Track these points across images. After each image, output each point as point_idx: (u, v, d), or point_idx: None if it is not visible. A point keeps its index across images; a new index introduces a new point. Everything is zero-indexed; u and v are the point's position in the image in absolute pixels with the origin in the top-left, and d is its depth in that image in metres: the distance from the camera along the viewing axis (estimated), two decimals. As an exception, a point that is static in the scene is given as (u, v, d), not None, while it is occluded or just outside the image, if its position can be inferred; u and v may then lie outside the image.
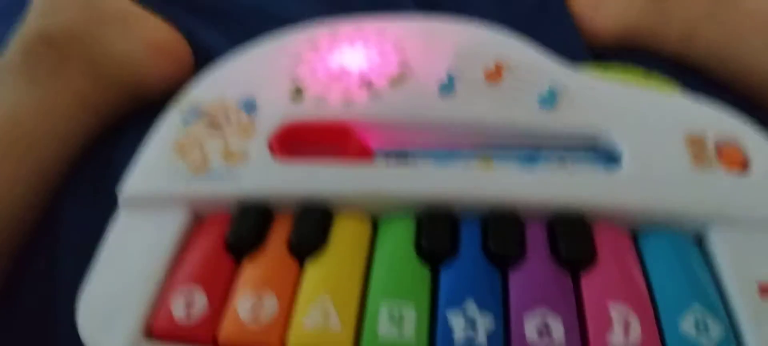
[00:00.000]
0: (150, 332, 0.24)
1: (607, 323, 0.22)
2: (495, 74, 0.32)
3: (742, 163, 0.27)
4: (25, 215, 0.32)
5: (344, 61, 0.33)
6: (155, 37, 0.39)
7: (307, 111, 0.31)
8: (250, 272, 0.25)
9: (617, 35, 0.40)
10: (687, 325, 0.22)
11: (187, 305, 0.24)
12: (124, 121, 0.38)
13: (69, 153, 0.35)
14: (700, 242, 0.26)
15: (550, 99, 0.30)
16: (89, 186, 0.34)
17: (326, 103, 0.31)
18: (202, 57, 0.41)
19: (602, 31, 0.41)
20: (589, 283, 0.24)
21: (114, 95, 0.38)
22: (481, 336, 0.22)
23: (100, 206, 0.32)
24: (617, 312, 0.22)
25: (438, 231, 0.26)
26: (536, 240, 0.25)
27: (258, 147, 0.29)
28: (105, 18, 0.38)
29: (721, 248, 0.25)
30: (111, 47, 0.38)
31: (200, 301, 0.24)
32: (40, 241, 0.33)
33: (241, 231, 0.26)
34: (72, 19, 0.37)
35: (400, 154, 0.30)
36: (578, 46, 0.40)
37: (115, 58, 0.38)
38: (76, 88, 0.36)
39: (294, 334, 0.23)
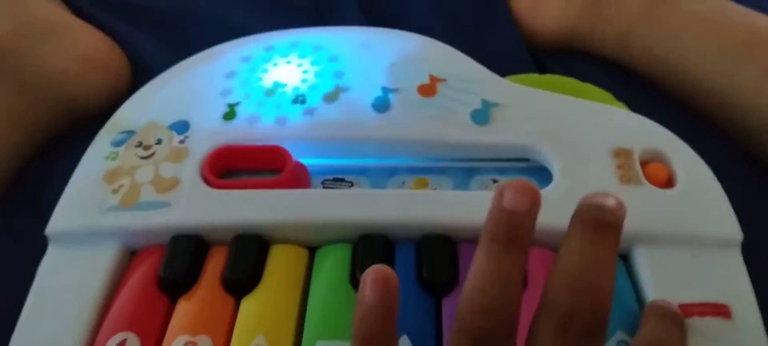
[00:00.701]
0: (79, 381, 0.23)
1: None
2: (429, 88, 0.32)
3: (667, 179, 0.28)
4: None
5: (278, 77, 0.33)
6: (89, 50, 0.38)
7: (240, 131, 0.30)
8: (184, 312, 0.25)
9: (556, 35, 0.41)
10: (613, 349, 0.23)
11: (120, 351, 0.24)
12: (58, 140, 0.37)
13: (0, 178, 0.34)
14: (625, 258, 0.27)
15: (483, 114, 0.30)
16: (20, 215, 0.33)
17: (259, 122, 0.31)
18: (139, 69, 0.39)
19: (542, 31, 0.41)
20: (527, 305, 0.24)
21: (45, 113, 0.36)
22: (414, 374, 0.22)
23: (31, 238, 0.31)
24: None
25: (371, 260, 0.25)
26: (469, 265, 0.26)
27: (190, 173, 0.29)
28: (35, 31, 0.37)
29: (645, 267, 0.25)
30: (41, 61, 0.36)
31: (133, 346, 0.24)
32: None
33: (174, 268, 0.26)
34: (1, 35, 0.36)
35: (337, 177, 0.30)
36: (519, 50, 0.40)
37: (46, 73, 0.36)
38: (8, 108, 0.35)
39: (228, 376, 0.23)
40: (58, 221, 0.28)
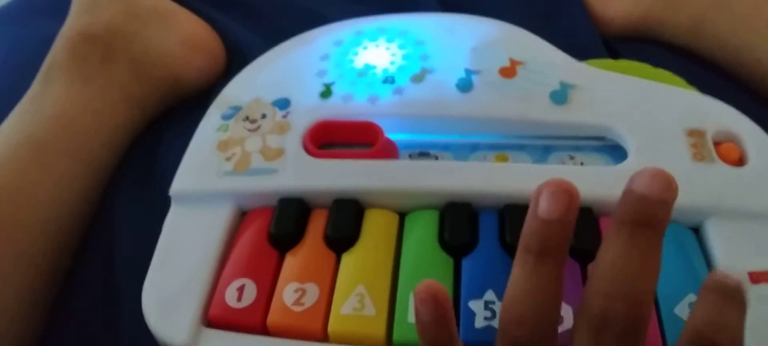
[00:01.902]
0: (207, 319, 0.27)
1: (611, 310, 0.25)
2: (509, 70, 0.34)
3: (739, 158, 0.30)
4: (82, 210, 0.35)
5: (369, 59, 0.35)
6: (191, 34, 0.42)
7: (335, 108, 0.34)
8: (293, 263, 0.28)
9: (628, 24, 0.42)
10: (683, 312, 0.25)
11: (239, 294, 0.27)
12: (163, 116, 0.41)
13: (117, 147, 0.38)
14: (696, 231, 0.28)
15: (562, 94, 0.32)
16: (136, 179, 0.37)
17: (353, 100, 0.34)
18: (234, 52, 0.43)
19: (614, 20, 0.42)
20: (596, 272, 0.27)
21: (155, 90, 0.40)
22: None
23: (149, 201, 0.35)
24: (620, 300, 0.25)
25: (460, 225, 0.28)
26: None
27: (293, 144, 0.32)
28: (143, 15, 0.41)
29: (716, 239, 0.27)
30: (150, 44, 0.40)
31: (250, 290, 0.27)
32: (96, 236, 0.36)
33: (284, 226, 0.29)
34: (113, 16, 0.40)
35: (423, 150, 0.33)
36: (592, 36, 0.42)
37: (154, 54, 0.40)
38: (122, 84, 0.39)
39: (334, 318, 0.26)
40: (180, 184, 0.32)
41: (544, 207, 0.20)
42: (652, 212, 0.20)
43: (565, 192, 0.20)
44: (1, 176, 0.33)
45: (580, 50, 0.36)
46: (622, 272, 0.19)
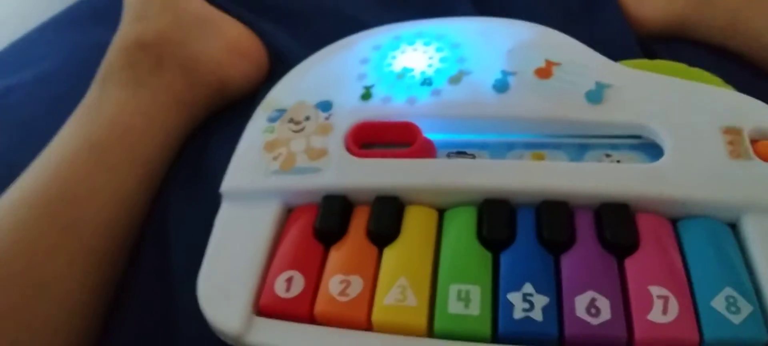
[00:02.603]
0: (258, 308, 0.29)
1: (649, 303, 0.26)
2: (545, 71, 0.35)
3: (776, 155, 0.30)
4: (138, 209, 0.37)
5: (407, 62, 0.37)
6: (236, 40, 0.44)
7: (376, 109, 0.35)
8: (338, 256, 0.29)
9: (663, 23, 0.42)
10: (719, 305, 0.25)
11: (288, 285, 0.29)
12: (211, 120, 0.43)
13: (170, 149, 0.40)
14: (733, 227, 0.29)
15: (597, 94, 0.33)
16: (188, 180, 0.39)
17: (392, 102, 0.35)
18: (276, 58, 0.45)
19: (649, 19, 0.43)
20: (633, 267, 0.27)
21: (203, 95, 0.42)
22: (538, 314, 0.26)
23: (199, 200, 0.37)
24: (657, 293, 0.26)
25: (498, 221, 0.29)
26: (585, 227, 0.29)
27: (336, 144, 0.33)
28: (191, 24, 0.43)
29: (753, 235, 0.27)
30: (198, 50, 0.42)
31: (298, 281, 0.29)
32: (150, 232, 0.38)
33: (328, 221, 0.30)
34: (163, 25, 0.42)
35: (460, 150, 0.34)
36: (627, 36, 0.42)
37: (202, 60, 0.42)
38: (173, 89, 0.41)
39: (378, 308, 0.27)
40: (230, 182, 0.33)
41: None
42: None
43: None
44: (65, 178, 0.35)
45: (615, 50, 0.36)
46: None
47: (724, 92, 0.33)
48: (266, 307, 0.28)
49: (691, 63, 0.36)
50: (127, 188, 0.36)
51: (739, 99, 0.33)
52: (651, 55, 0.42)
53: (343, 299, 0.28)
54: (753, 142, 0.30)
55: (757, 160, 0.30)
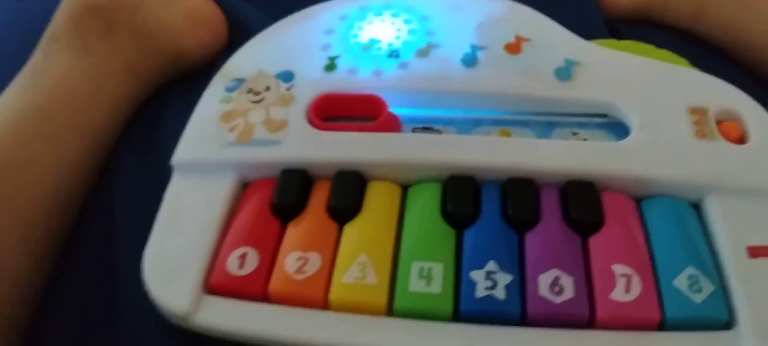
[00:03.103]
0: (208, 287, 0.27)
1: (611, 282, 0.25)
2: (515, 47, 0.34)
3: (740, 136, 0.30)
4: (82, 180, 0.35)
5: (374, 34, 0.35)
6: (193, 7, 0.41)
7: (340, 81, 0.34)
8: (295, 232, 0.28)
9: (632, 7, 0.42)
10: (681, 284, 0.25)
11: (241, 262, 0.27)
12: (165, 90, 0.41)
13: (118, 119, 0.38)
14: (697, 207, 0.28)
15: (566, 71, 0.33)
16: (138, 151, 0.37)
17: (357, 74, 0.34)
18: (236, 27, 0.43)
19: (617, 2, 0.42)
20: (597, 245, 0.27)
21: (156, 63, 0.40)
22: (501, 292, 0.25)
23: (149, 172, 0.35)
24: (620, 272, 0.25)
25: (462, 197, 0.28)
26: (550, 205, 0.28)
27: (297, 116, 0.32)
28: None
29: (716, 214, 0.27)
30: (152, 16, 0.40)
31: (252, 258, 0.27)
32: (95, 207, 0.35)
33: (287, 196, 0.29)
34: None
35: (426, 125, 0.33)
36: (595, 18, 0.42)
37: (156, 26, 0.40)
38: (124, 55, 0.38)
39: (336, 287, 0.26)
40: (183, 153, 0.32)
41: None
42: None
43: None
44: (1, 145, 0.33)
45: (584, 32, 0.36)
46: None
47: (691, 72, 0.33)
48: (217, 285, 0.27)
49: (658, 46, 0.36)
50: (69, 157, 0.34)
51: (705, 80, 0.32)
52: (618, 38, 0.41)
53: (299, 276, 0.27)
54: (718, 122, 0.30)
55: (722, 141, 0.29)
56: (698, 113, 0.30)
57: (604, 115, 0.32)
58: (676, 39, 0.41)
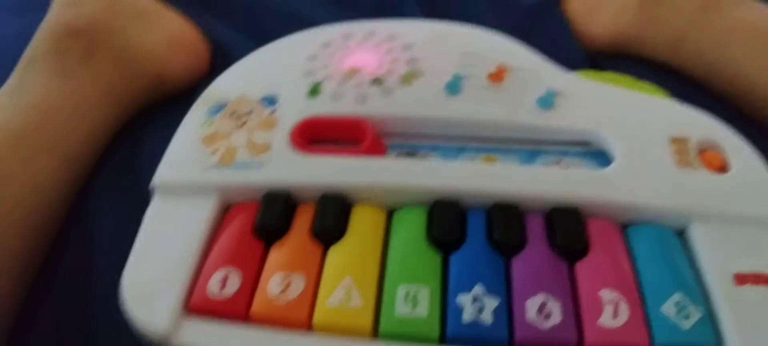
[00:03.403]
0: (188, 308, 0.26)
1: (599, 308, 0.25)
2: (497, 76, 0.34)
3: (721, 165, 0.30)
4: (56, 205, 0.34)
5: (357, 61, 0.36)
6: (175, 32, 0.41)
7: (323, 107, 0.33)
8: (279, 254, 0.28)
9: (610, 41, 0.43)
10: (669, 310, 0.25)
11: (222, 283, 0.26)
12: (145, 114, 0.40)
13: (97, 143, 0.37)
14: (681, 234, 0.29)
15: (548, 100, 0.33)
16: (117, 175, 0.36)
17: (341, 100, 0.34)
18: (219, 52, 0.43)
19: (596, 36, 0.43)
20: (583, 271, 0.27)
21: (138, 87, 0.39)
22: (488, 317, 0.25)
23: (128, 195, 0.34)
24: (608, 298, 0.25)
25: (448, 221, 0.28)
26: (536, 231, 0.28)
27: (280, 140, 0.32)
28: (127, 12, 0.40)
29: (701, 242, 0.27)
30: (134, 40, 0.40)
31: (234, 280, 0.26)
32: (72, 229, 0.34)
33: (270, 218, 0.29)
34: (97, 11, 0.39)
35: (411, 151, 0.33)
36: (575, 50, 0.42)
37: (138, 50, 0.40)
38: (104, 79, 0.38)
39: (320, 309, 0.26)
40: (163, 175, 0.31)
41: None
42: None
43: None
44: None
45: (564, 63, 0.37)
46: None
47: (671, 103, 0.34)
48: (197, 306, 0.26)
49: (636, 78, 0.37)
50: (44, 179, 0.33)
51: (686, 111, 0.33)
52: (598, 69, 0.42)
53: (282, 299, 0.26)
54: (699, 152, 0.31)
55: (704, 170, 0.30)
56: (679, 143, 0.31)
57: (587, 144, 0.33)
58: (652, 71, 0.42)
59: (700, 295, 0.26)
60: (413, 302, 0.25)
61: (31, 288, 0.32)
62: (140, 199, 0.31)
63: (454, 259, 0.27)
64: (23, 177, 0.33)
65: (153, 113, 0.40)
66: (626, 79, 0.36)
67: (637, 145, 0.31)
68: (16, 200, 0.32)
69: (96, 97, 0.38)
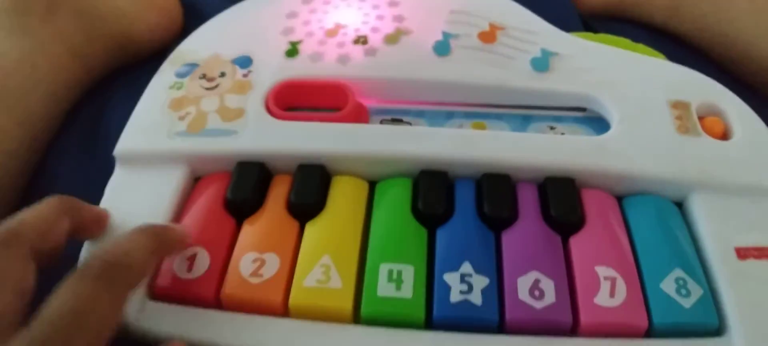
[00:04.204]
0: (153, 291, 0.24)
1: (595, 285, 0.23)
2: (489, 35, 0.32)
3: (723, 132, 0.28)
4: (17, 167, 0.32)
5: (339, 18, 0.33)
6: None
7: (302, 68, 0.31)
8: (251, 231, 0.26)
9: (607, 3, 0.41)
10: (669, 287, 0.23)
11: (190, 264, 0.24)
12: (112, 75, 0.38)
13: (58, 106, 0.35)
14: (680, 205, 0.27)
15: (543, 62, 0.31)
16: (80, 140, 0.34)
17: (321, 60, 0.31)
18: (191, 11, 0.40)
19: None
20: (578, 245, 0.25)
21: (103, 47, 0.37)
22: (477, 297, 0.23)
23: (91, 161, 0.32)
24: (604, 274, 0.24)
25: (434, 194, 0.26)
26: (528, 202, 0.26)
27: (255, 105, 0.29)
28: None
29: (701, 213, 0.26)
30: None
31: (203, 260, 0.24)
32: (33, 193, 0.32)
33: (242, 191, 0.26)
34: None
35: (395, 117, 0.31)
36: (570, 11, 0.40)
37: (104, 8, 0.37)
38: (66, 38, 0.35)
39: (296, 291, 0.24)
40: (127, 143, 0.29)
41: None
42: None
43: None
44: None
45: (557, 25, 0.34)
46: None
47: (671, 66, 0.32)
48: (163, 289, 0.24)
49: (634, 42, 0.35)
50: (6, 142, 0.31)
51: (686, 73, 0.31)
52: (592, 32, 0.40)
53: (255, 280, 0.24)
54: (700, 117, 0.29)
55: (706, 137, 0.28)
56: (680, 108, 0.29)
57: (582, 109, 0.31)
58: (649, 36, 0.40)
59: (701, 271, 0.24)
60: (397, 281, 0.24)
61: None
62: (105, 166, 0.29)
63: (441, 234, 0.25)
64: None
65: (121, 75, 0.38)
66: (622, 41, 0.34)
67: (636, 111, 0.29)
68: None
69: (57, 56, 0.35)
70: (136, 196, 0.27)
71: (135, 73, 0.37)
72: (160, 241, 0.23)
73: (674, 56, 0.34)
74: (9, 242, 0.21)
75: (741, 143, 0.28)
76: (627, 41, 0.35)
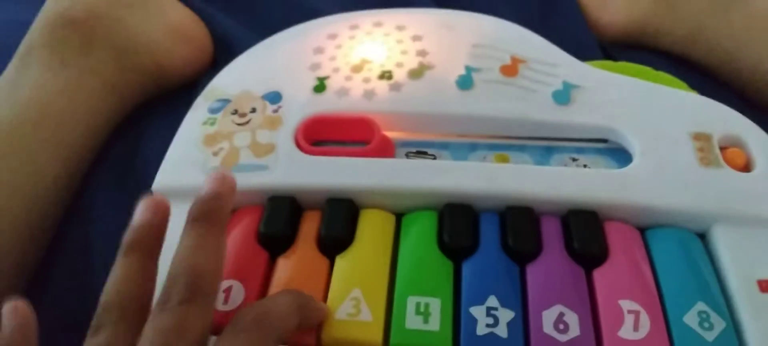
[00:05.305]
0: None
1: (619, 319, 0.24)
2: (511, 69, 0.33)
3: (745, 164, 0.29)
4: (54, 201, 0.33)
5: (365, 54, 0.34)
6: (177, 22, 0.40)
7: (330, 103, 0.32)
8: (284, 268, 0.26)
9: (625, 31, 0.41)
10: (692, 321, 0.24)
11: (226, 296, 0.25)
12: (145, 107, 0.39)
13: (94, 138, 0.36)
14: (702, 237, 0.27)
15: (564, 95, 0.31)
16: (117, 172, 0.36)
17: (348, 96, 0.32)
18: (222, 44, 0.41)
19: (610, 26, 0.42)
20: (602, 278, 0.25)
21: (137, 79, 0.38)
22: (503, 330, 0.24)
23: (128, 194, 0.33)
24: (628, 308, 0.24)
25: (460, 227, 0.27)
26: (551, 236, 0.27)
27: (285, 140, 0.30)
28: (127, 1, 0.39)
29: (724, 245, 0.26)
30: (134, 31, 0.38)
31: (238, 293, 0.26)
32: (70, 227, 0.34)
33: (275, 225, 0.27)
34: (95, 1, 0.38)
35: (420, 150, 0.32)
36: (588, 39, 0.41)
37: (138, 41, 0.38)
38: (102, 71, 0.37)
39: (328, 324, 0.25)
40: (164, 179, 0.30)
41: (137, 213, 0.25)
42: (206, 209, 0.24)
43: (153, 204, 0.25)
44: None
45: (576, 53, 0.35)
46: (181, 255, 0.23)
47: (692, 96, 0.32)
48: (201, 321, 0.25)
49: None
50: (44, 176, 0.33)
51: (707, 104, 0.32)
52: (612, 60, 0.41)
53: (289, 313, 0.25)
54: (722, 149, 0.29)
55: (727, 168, 0.28)
56: (702, 139, 0.29)
57: (604, 140, 0.31)
58: (669, 63, 0.40)
59: (724, 304, 0.25)
60: (424, 314, 0.24)
61: (29, 287, 0.32)
62: (138, 197, 0.30)
63: (467, 267, 0.26)
64: (22, 177, 0.32)
65: (154, 107, 0.39)
66: (643, 69, 0.34)
67: (657, 143, 0.29)
68: (14, 201, 0.31)
69: (93, 88, 0.37)
70: (174, 229, 0.28)
71: (168, 106, 0.38)
72: (301, 303, 0.24)
73: (695, 84, 0.35)
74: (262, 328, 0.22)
75: (763, 175, 0.28)
76: (649, 70, 0.35)
